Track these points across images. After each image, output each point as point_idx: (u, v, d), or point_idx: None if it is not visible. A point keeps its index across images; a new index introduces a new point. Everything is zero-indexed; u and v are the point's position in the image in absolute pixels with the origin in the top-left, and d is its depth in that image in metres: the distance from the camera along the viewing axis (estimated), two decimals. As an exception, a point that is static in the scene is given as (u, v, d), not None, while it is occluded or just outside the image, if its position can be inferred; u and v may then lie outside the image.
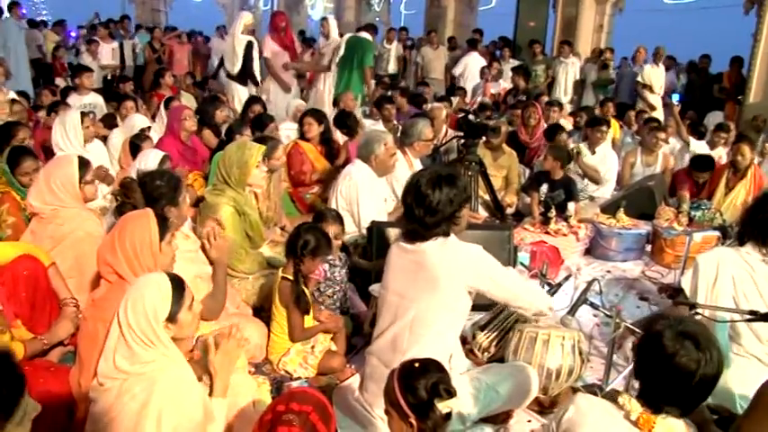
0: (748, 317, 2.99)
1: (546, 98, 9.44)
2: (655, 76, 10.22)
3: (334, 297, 3.95)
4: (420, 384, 2.15)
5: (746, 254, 3.25)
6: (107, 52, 12.35)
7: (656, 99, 10.22)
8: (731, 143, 6.95)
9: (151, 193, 3.44)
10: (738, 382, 3.09)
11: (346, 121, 6.68)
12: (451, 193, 2.86)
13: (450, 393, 2.13)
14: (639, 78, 10.34)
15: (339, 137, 6.76)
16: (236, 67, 8.62)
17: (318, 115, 6.40)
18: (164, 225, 2.94)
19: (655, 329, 2.00)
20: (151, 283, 2.48)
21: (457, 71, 11.58)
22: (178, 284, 2.51)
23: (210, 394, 2.59)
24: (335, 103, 8.41)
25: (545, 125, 7.41)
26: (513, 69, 10.75)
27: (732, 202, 6.05)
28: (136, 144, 5.57)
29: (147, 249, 2.83)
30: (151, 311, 2.39)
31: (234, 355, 2.69)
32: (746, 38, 10.42)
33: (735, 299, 3.23)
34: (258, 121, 6.27)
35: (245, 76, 8.69)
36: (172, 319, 2.45)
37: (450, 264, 2.88)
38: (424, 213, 2.86)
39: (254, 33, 9.01)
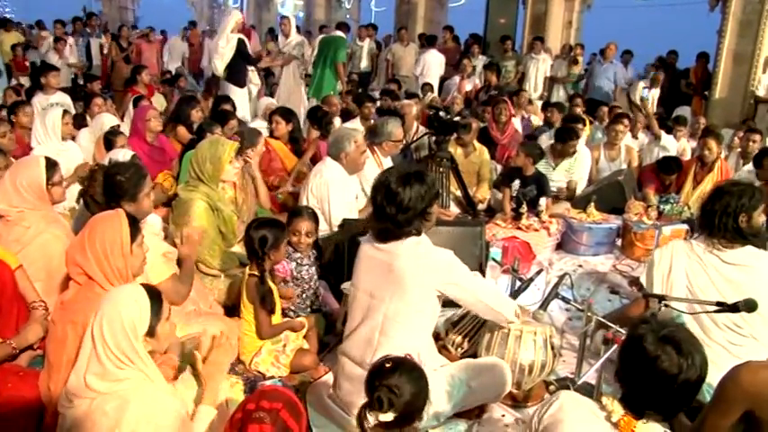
0: (715, 308, 3.06)
1: (526, 94, 9.51)
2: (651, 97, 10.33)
3: (304, 296, 3.95)
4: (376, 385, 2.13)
5: (697, 246, 3.38)
6: (71, 50, 12.10)
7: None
8: (698, 137, 7.05)
9: (111, 186, 3.41)
10: (710, 371, 3.15)
11: (320, 117, 6.65)
12: (422, 190, 2.86)
13: (392, 404, 2.07)
14: (634, 98, 10.40)
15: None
16: (220, 68, 8.52)
17: (287, 113, 6.37)
18: (135, 226, 2.90)
19: (637, 333, 1.98)
20: (127, 296, 2.39)
21: (417, 70, 11.59)
22: (155, 296, 2.44)
23: (200, 402, 2.56)
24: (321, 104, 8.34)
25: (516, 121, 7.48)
26: (485, 66, 10.80)
27: (700, 195, 6.11)
28: (109, 140, 5.55)
29: (118, 251, 2.79)
30: (130, 328, 2.31)
31: (225, 364, 2.67)
32: (712, 34, 10.59)
33: (689, 289, 3.35)
34: (221, 116, 6.23)
35: (237, 75, 8.59)
36: (151, 332, 2.39)
37: (420, 268, 2.88)
38: (396, 211, 2.85)
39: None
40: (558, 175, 6.43)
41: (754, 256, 3.28)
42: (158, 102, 8.40)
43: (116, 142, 5.45)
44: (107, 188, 3.43)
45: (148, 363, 2.37)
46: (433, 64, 11.42)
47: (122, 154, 4.72)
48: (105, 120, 6.34)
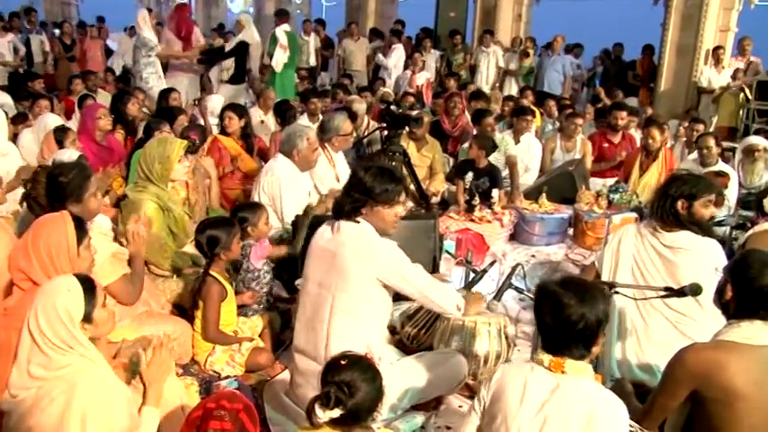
0: (663, 293, 3.14)
1: (473, 87, 9.58)
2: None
3: (261, 291, 3.93)
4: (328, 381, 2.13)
5: (643, 228, 3.53)
6: (4, 47, 11.44)
7: None
8: (642, 127, 7.21)
9: (54, 188, 3.31)
10: (657, 355, 3.25)
11: (286, 112, 6.57)
12: (371, 183, 2.96)
13: (339, 401, 2.07)
14: None
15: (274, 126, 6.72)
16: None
17: (239, 109, 6.30)
18: (81, 228, 2.83)
19: (544, 287, 2.23)
20: (59, 286, 2.37)
21: (390, 64, 11.57)
22: (88, 283, 2.41)
23: (143, 404, 2.50)
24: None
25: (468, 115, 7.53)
26: (446, 75, 10.83)
27: (647, 183, 6.28)
28: (59, 136, 5.34)
29: (64, 254, 2.72)
30: (65, 314, 2.29)
31: (167, 365, 2.61)
32: (657, 27, 10.81)
33: (633, 270, 3.49)
34: (168, 113, 6.13)
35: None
36: (87, 318, 2.35)
37: (362, 257, 2.91)
38: (347, 187, 3.00)
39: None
40: (491, 157, 6.43)
41: (690, 241, 3.38)
42: (105, 101, 8.19)
43: (66, 139, 5.26)
44: (50, 190, 3.32)
45: (89, 347, 2.34)
46: (398, 59, 11.44)
47: (68, 154, 4.61)
48: (49, 120, 6.17)
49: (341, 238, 2.96)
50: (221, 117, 6.23)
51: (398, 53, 11.52)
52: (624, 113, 6.98)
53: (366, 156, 6.45)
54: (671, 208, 3.38)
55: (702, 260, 3.33)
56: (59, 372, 2.27)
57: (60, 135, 5.37)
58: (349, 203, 2.98)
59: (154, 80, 8.57)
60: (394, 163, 5.28)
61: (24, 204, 3.53)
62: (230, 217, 3.96)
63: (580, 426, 2.05)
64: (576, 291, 2.13)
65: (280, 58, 9.12)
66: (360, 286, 2.93)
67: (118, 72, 11.29)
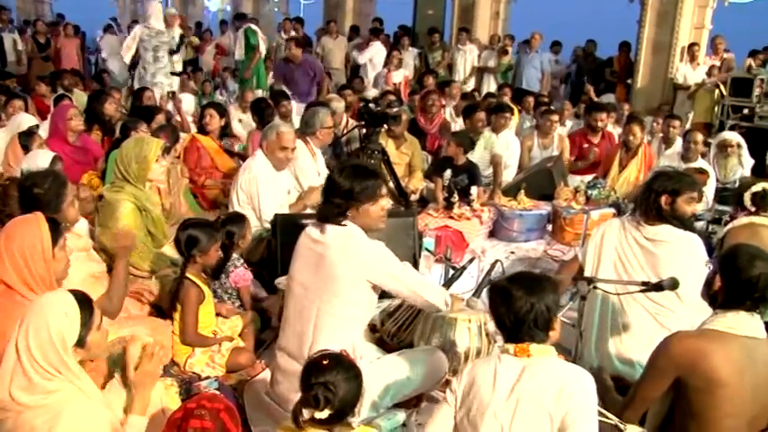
0: (641, 288, 3.17)
1: (457, 86, 9.58)
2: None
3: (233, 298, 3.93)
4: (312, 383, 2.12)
5: (627, 222, 3.59)
6: None
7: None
8: (623, 124, 7.26)
9: (29, 201, 3.21)
10: (637, 348, 3.28)
11: (263, 110, 6.54)
12: (351, 185, 2.95)
13: (328, 401, 2.08)
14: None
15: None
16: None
17: (220, 108, 6.25)
18: (56, 229, 2.79)
19: (495, 285, 2.39)
20: (55, 305, 2.24)
21: (363, 59, 11.55)
22: (85, 303, 2.30)
23: (129, 411, 2.48)
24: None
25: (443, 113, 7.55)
26: (424, 74, 10.81)
27: (625, 179, 6.34)
28: (24, 141, 5.12)
29: (39, 256, 2.68)
30: (58, 339, 2.18)
31: (155, 374, 2.58)
32: (633, 24, 10.90)
33: (616, 264, 3.53)
34: (147, 113, 6.07)
35: None
36: (80, 343, 2.25)
37: (351, 259, 2.90)
38: (326, 193, 2.98)
39: None
40: (477, 154, 6.48)
41: (671, 234, 3.45)
42: (80, 100, 8.10)
43: (33, 144, 5.07)
44: (25, 203, 3.21)
45: (80, 374, 2.26)
46: (377, 56, 11.39)
47: (42, 156, 4.51)
48: (23, 120, 6.07)
49: (327, 240, 2.95)
50: (201, 115, 6.16)
51: (375, 50, 11.48)
52: (604, 114, 6.98)
53: (342, 154, 6.42)
54: (654, 203, 3.44)
55: (683, 253, 3.40)
56: (44, 398, 2.18)
57: (25, 140, 5.16)
58: (332, 209, 2.96)
59: (161, 76, 8.61)
60: (373, 161, 5.28)
61: None
62: (214, 222, 3.93)
63: (552, 400, 2.13)
64: (524, 283, 2.28)
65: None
66: (348, 289, 2.92)
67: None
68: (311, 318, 2.95)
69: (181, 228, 3.57)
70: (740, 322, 2.43)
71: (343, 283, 2.91)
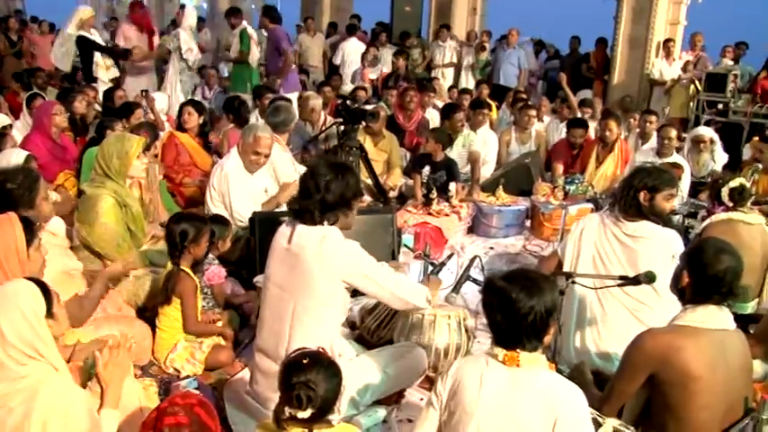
0: (619, 281, 3.20)
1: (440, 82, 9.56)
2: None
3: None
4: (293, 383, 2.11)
5: (606, 218, 3.62)
6: None
7: None
8: (598, 119, 7.30)
9: (3, 196, 3.19)
10: (615, 343, 3.31)
11: (238, 108, 6.49)
12: (351, 181, 2.96)
13: (310, 400, 2.08)
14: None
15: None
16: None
17: (198, 106, 6.22)
18: (30, 230, 2.76)
19: (489, 282, 2.26)
20: (16, 288, 2.31)
21: (337, 59, 11.53)
22: (39, 283, 2.36)
23: (101, 406, 2.46)
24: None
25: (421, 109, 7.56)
26: (395, 53, 10.82)
27: (603, 174, 6.39)
28: None
29: (14, 257, 2.65)
30: (30, 313, 2.23)
31: (125, 366, 2.57)
32: (610, 20, 10.98)
33: (595, 259, 3.58)
34: (126, 109, 6.02)
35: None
36: (49, 313, 2.31)
37: (326, 260, 2.87)
38: (324, 192, 2.89)
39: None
40: (456, 152, 6.48)
41: (650, 230, 3.48)
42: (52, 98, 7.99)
43: (5, 145, 5.04)
44: None
45: (52, 346, 2.29)
46: (353, 53, 11.34)
47: (16, 154, 4.46)
48: (-4, 119, 6.01)
49: (302, 241, 2.91)
50: (180, 112, 6.13)
51: (351, 47, 11.44)
52: (582, 131, 6.74)
53: (317, 150, 6.37)
54: (633, 199, 3.47)
55: (662, 248, 3.43)
56: (18, 384, 2.20)
57: None
58: (324, 212, 2.91)
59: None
60: (351, 158, 5.28)
61: None
62: (217, 221, 4.00)
63: (542, 419, 2.06)
64: (523, 284, 2.14)
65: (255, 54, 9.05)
66: (323, 289, 2.89)
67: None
68: (287, 317, 2.93)
69: (172, 220, 3.60)
70: (710, 316, 2.46)
71: (318, 283, 2.88)
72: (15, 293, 2.28)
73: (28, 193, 3.24)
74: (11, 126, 5.96)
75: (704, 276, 2.48)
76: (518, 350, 2.13)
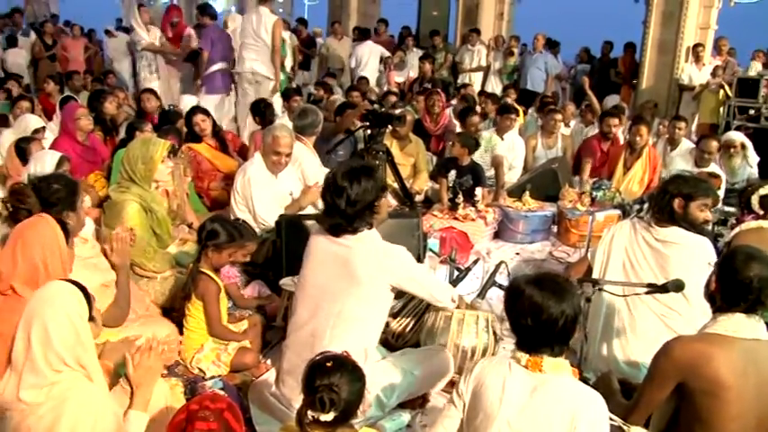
0: (647, 289, 3.17)
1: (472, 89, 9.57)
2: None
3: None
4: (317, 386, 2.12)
5: (639, 223, 3.59)
6: None
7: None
8: (627, 125, 7.24)
9: (48, 198, 3.19)
10: (643, 350, 3.28)
11: (264, 111, 6.53)
12: (368, 184, 2.94)
13: (333, 403, 2.08)
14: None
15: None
16: None
17: (205, 110, 6.26)
18: (65, 230, 2.84)
19: (515, 287, 2.24)
20: (59, 291, 2.33)
21: (351, 63, 11.54)
22: (77, 284, 2.39)
23: (129, 407, 2.48)
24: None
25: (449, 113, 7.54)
26: (421, 57, 10.83)
27: (630, 181, 6.33)
28: (22, 147, 5.07)
29: (57, 257, 2.73)
30: (76, 317, 2.27)
31: (156, 369, 2.59)
32: (638, 24, 10.88)
33: (625, 264, 3.55)
34: (165, 118, 6.09)
35: None
36: (90, 317, 2.35)
37: (375, 263, 2.93)
38: (345, 205, 2.91)
39: None
40: (478, 156, 6.44)
41: (682, 236, 3.45)
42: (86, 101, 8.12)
43: (30, 150, 5.00)
44: (44, 201, 3.17)
45: (92, 353, 2.32)
46: (367, 56, 11.36)
47: (50, 156, 4.51)
48: (30, 121, 6.10)
49: (352, 244, 2.96)
50: (191, 123, 6.03)
51: (363, 51, 11.42)
52: (616, 120, 6.88)
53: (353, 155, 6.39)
54: (668, 205, 3.45)
55: (692, 254, 3.40)
56: (49, 391, 2.23)
57: (23, 145, 5.10)
58: (359, 218, 2.95)
59: (146, 73, 8.64)
60: (377, 162, 5.29)
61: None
62: (243, 229, 3.92)
63: (561, 427, 2.06)
64: (551, 289, 2.14)
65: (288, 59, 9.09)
66: (370, 292, 2.95)
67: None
68: (329, 319, 2.96)
69: (210, 219, 3.64)
70: (740, 325, 2.41)
71: (367, 287, 2.93)
72: (60, 296, 2.31)
73: (71, 196, 3.28)
74: (44, 128, 6.06)
75: (732, 282, 2.45)
76: (542, 355, 2.14)
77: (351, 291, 2.93)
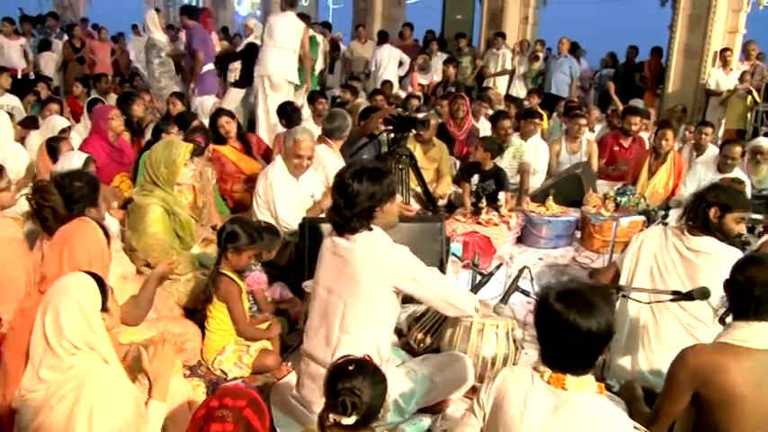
0: (671, 297, 3.14)
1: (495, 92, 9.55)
2: None
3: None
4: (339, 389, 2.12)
5: (670, 230, 3.54)
6: (15, 51, 11.27)
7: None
8: (653, 130, 7.19)
9: (70, 195, 3.29)
10: (668, 358, 3.22)
11: (290, 113, 6.57)
12: (372, 188, 2.86)
13: (355, 407, 2.08)
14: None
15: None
16: None
17: (230, 113, 6.30)
18: (105, 232, 2.94)
19: (543, 297, 2.13)
20: (75, 281, 2.41)
21: (371, 67, 11.55)
22: (95, 276, 2.46)
23: (149, 398, 2.51)
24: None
25: (473, 118, 7.52)
26: (445, 61, 10.81)
27: (655, 186, 6.28)
28: (53, 146, 5.23)
29: (100, 261, 2.81)
30: (87, 306, 2.33)
31: (171, 359, 2.62)
32: (665, 29, 10.77)
33: (653, 270, 3.50)
34: (181, 120, 6.14)
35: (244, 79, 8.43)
36: (104, 308, 2.41)
37: (375, 263, 2.88)
38: (344, 205, 2.88)
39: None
40: (506, 162, 6.44)
41: (713, 246, 3.39)
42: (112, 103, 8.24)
43: (60, 149, 5.14)
44: (67, 198, 3.29)
45: (104, 339, 2.37)
46: (387, 60, 11.36)
47: (77, 156, 4.59)
48: (57, 122, 6.21)
49: (352, 245, 2.92)
50: (216, 125, 6.06)
51: (384, 54, 11.39)
52: (638, 118, 6.91)
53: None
54: (703, 212, 3.39)
55: (723, 265, 3.29)
56: (68, 372, 2.29)
57: (54, 144, 5.25)
58: (356, 219, 2.89)
59: (166, 79, 8.65)
60: (401, 166, 5.29)
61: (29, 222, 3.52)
62: (268, 230, 3.96)
63: None
64: (580, 306, 2.02)
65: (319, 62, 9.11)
66: (372, 293, 2.90)
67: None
68: (336, 321, 2.94)
69: (230, 220, 3.65)
70: (753, 334, 2.39)
71: (367, 287, 2.89)
72: (74, 286, 2.38)
73: (93, 193, 3.36)
74: (70, 128, 6.15)
75: (741, 291, 2.44)
76: (566, 373, 2.06)
77: (353, 292, 2.90)
